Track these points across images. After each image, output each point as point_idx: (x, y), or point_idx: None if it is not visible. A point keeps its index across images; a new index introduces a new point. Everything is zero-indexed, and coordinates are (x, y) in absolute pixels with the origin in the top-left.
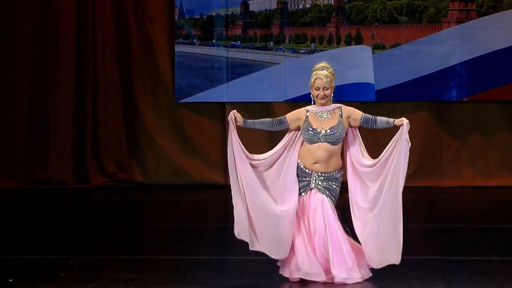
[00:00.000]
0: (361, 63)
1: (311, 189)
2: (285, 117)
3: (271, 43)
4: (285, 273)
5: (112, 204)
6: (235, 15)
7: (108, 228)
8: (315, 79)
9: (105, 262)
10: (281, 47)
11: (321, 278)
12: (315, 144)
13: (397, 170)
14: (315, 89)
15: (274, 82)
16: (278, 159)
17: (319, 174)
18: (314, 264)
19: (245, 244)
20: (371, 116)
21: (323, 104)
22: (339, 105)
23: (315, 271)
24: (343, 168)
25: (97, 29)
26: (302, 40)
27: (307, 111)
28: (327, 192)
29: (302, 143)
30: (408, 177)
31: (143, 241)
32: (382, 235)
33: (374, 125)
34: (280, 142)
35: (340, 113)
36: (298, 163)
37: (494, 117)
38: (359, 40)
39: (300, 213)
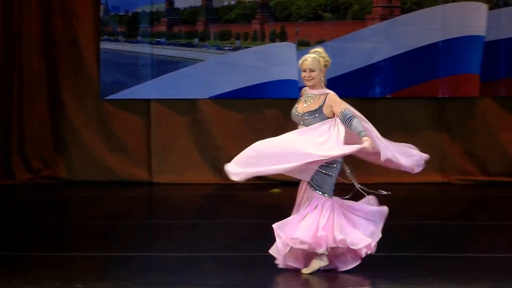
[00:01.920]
0: (285, 60)
1: None
2: None
3: (196, 40)
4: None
5: (37, 201)
6: (160, 12)
7: (34, 225)
8: (302, 61)
9: (30, 259)
10: (206, 44)
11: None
12: (298, 125)
13: None
14: (302, 71)
15: (199, 79)
16: None
17: None
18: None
19: (170, 240)
20: (348, 117)
21: (311, 87)
22: (328, 92)
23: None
24: None
25: (23, 25)
26: (227, 37)
27: (302, 91)
28: (312, 182)
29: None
30: None
31: (68, 238)
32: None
33: (349, 127)
34: None
35: (324, 100)
36: None
37: (417, 114)
38: (283, 37)
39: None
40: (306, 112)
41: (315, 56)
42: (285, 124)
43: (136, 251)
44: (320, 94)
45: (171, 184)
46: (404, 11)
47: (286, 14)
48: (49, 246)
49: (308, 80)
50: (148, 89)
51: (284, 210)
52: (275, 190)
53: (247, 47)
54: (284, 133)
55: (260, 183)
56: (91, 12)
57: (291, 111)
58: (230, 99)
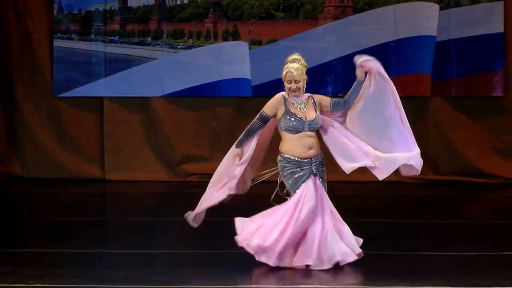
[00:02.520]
0: (238, 59)
1: (314, 174)
2: (264, 112)
3: (149, 38)
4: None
5: None
6: (114, 11)
7: None
8: (286, 72)
9: None
10: (159, 42)
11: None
12: (299, 134)
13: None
14: (287, 82)
15: (152, 77)
16: None
17: (314, 159)
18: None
19: (122, 237)
20: (340, 99)
21: (296, 96)
22: (309, 94)
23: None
24: None
25: None
26: (180, 36)
27: (284, 98)
28: (324, 182)
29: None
30: None
31: (21, 235)
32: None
33: (346, 105)
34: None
35: (313, 101)
36: (287, 157)
37: None
38: (236, 36)
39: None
40: (311, 118)
41: (298, 67)
42: (238, 122)
43: (89, 247)
44: (306, 99)
45: (123, 182)
46: (356, 10)
47: (239, 13)
48: (2, 243)
49: (295, 91)
50: (101, 87)
51: (237, 207)
52: None
53: (200, 46)
54: (235, 131)
55: None
56: (44, 10)
57: (284, 123)
58: (183, 98)
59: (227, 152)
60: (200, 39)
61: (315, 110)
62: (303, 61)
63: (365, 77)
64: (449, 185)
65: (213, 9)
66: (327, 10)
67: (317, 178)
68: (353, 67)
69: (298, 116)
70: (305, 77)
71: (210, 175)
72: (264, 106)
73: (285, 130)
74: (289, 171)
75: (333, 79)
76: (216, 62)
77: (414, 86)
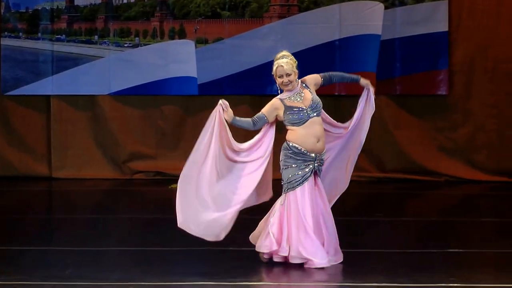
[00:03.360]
0: (184, 57)
1: (314, 171)
2: (262, 113)
3: (96, 37)
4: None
5: None
6: (61, 9)
7: None
8: (277, 67)
9: None
10: (106, 41)
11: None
12: (307, 123)
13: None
14: (279, 77)
15: (99, 76)
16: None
17: (319, 155)
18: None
19: (69, 234)
20: (327, 74)
21: (289, 90)
22: (298, 81)
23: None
24: None
25: None
26: (126, 34)
27: (281, 99)
28: (320, 173)
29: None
30: None
31: None
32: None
33: (335, 80)
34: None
35: (306, 86)
36: (295, 147)
37: None
38: (182, 35)
39: (307, 198)
40: (310, 103)
41: (288, 61)
42: (183, 120)
43: (36, 245)
44: (299, 88)
45: (70, 179)
46: (302, 9)
47: (185, 12)
48: None
49: (287, 85)
50: (48, 86)
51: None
52: (174, 186)
53: (146, 44)
54: (180, 129)
55: (159, 179)
56: None
57: (289, 118)
58: (129, 96)
59: (173, 149)
60: (146, 37)
61: (311, 93)
62: (292, 57)
63: (364, 92)
64: (394, 182)
65: (159, 8)
66: (272, 9)
67: (317, 176)
68: (298, 65)
69: (298, 107)
70: (296, 71)
71: (156, 173)
72: (263, 108)
73: (291, 124)
74: (293, 165)
75: None
76: (162, 61)
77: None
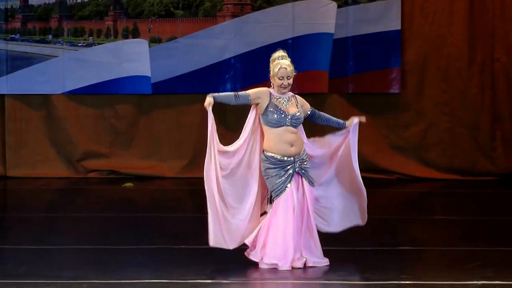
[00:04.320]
0: (138, 56)
1: (293, 174)
2: (248, 93)
3: (50, 36)
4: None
5: None
6: (15, 9)
7: None
8: (279, 68)
9: None
10: (60, 40)
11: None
12: (281, 128)
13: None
14: (279, 78)
15: (53, 75)
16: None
17: (299, 156)
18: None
19: (23, 233)
20: (317, 112)
21: (283, 93)
22: (292, 93)
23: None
24: None
25: None
26: (80, 34)
27: (271, 93)
28: (307, 175)
29: (261, 138)
30: (184, 169)
31: None
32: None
33: (319, 121)
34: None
35: (296, 100)
36: (271, 157)
37: None
38: (136, 34)
39: (290, 203)
40: (294, 113)
41: (289, 63)
42: (137, 119)
43: None
44: (290, 96)
45: (25, 178)
46: (255, 8)
47: (139, 11)
48: None
49: (285, 87)
50: (2, 85)
51: (137, 204)
52: (128, 184)
53: (100, 44)
54: (134, 128)
55: (113, 177)
56: None
57: (267, 117)
58: (83, 95)
59: (127, 148)
60: (100, 36)
61: (298, 108)
62: (289, 58)
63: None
64: None
65: (113, 7)
66: (226, 8)
67: (301, 178)
68: (251, 64)
69: (281, 109)
70: (295, 73)
71: (110, 172)
72: (250, 89)
73: (267, 124)
74: (274, 174)
75: (232, 76)
76: (116, 60)
77: (311, 83)
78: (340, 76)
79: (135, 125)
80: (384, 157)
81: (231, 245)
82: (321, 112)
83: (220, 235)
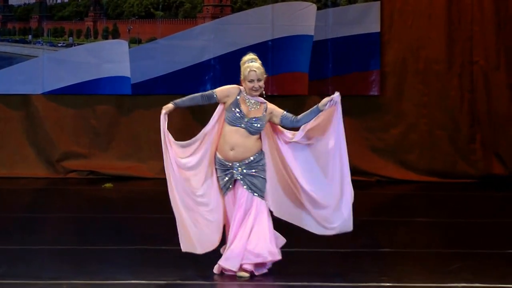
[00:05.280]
0: (117, 57)
1: (235, 180)
2: (215, 92)
3: (30, 36)
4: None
5: None
6: None
7: None
8: (249, 71)
9: None
10: (40, 40)
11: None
12: (234, 127)
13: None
14: (249, 81)
15: (32, 75)
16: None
17: (240, 163)
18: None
19: (2, 233)
20: (291, 115)
21: (254, 95)
22: (265, 101)
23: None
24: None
25: None
26: (60, 34)
27: (240, 91)
28: (253, 187)
29: (220, 134)
30: (164, 169)
31: None
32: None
33: (296, 123)
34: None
35: (265, 108)
36: (216, 156)
37: None
38: (116, 35)
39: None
40: (253, 118)
41: (259, 66)
42: (117, 120)
43: None
44: (260, 103)
45: (3, 178)
46: (235, 10)
47: (119, 12)
48: None
49: (256, 90)
50: None
51: (117, 204)
52: (108, 185)
53: (80, 44)
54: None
55: (92, 178)
56: None
57: (228, 113)
58: (62, 95)
59: (106, 149)
60: (80, 37)
61: (262, 115)
62: (259, 61)
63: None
64: None
65: (93, 8)
66: (206, 9)
67: (242, 185)
68: (231, 65)
69: (242, 110)
70: (265, 75)
71: (89, 172)
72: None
73: (226, 120)
74: (218, 175)
75: (212, 78)
76: (96, 60)
77: (291, 85)
78: (320, 78)
79: (114, 126)
80: (363, 159)
81: (199, 250)
82: (298, 116)
83: (188, 240)
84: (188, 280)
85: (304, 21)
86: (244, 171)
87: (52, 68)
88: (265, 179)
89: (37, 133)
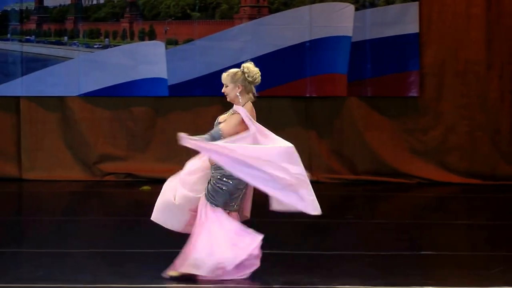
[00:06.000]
0: (154, 59)
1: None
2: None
3: (65, 38)
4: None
5: None
6: (30, 10)
7: None
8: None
9: None
10: (75, 42)
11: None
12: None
13: None
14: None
15: (68, 77)
16: None
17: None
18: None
19: (39, 236)
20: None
21: (230, 102)
22: (239, 112)
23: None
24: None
25: None
26: (96, 35)
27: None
28: (206, 192)
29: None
30: None
31: None
32: None
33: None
34: None
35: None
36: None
37: (285, 112)
38: (152, 36)
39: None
40: (213, 127)
41: (228, 72)
42: (154, 122)
43: (6, 247)
44: (232, 113)
45: (40, 181)
46: (272, 11)
47: (155, 13)
48: None
49: (225, 95)
50: (17, 87)
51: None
52: (145, 188)
53: (116, 46)
54: (151, 131)
55: (130, 180)
56: None
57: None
58: (99, 97)
59: (143, 151)
60: (116, 38)
61: (224, 124)
62: (248, 70)
63: None
64: (365, 184)
65: (129, 9)
66: (243, 10)
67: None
68: (269, 66)
69: (219, 120)
70: (233, 84)
71: (126, 175)
72: None
73: None
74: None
75: None
76: (132, 62)
77: (329, 86)
78: (358, 79)
79: (151, 128)
80: (403, 161)
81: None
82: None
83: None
84: (228, 283)
85: (342, 22)
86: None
87: (88, 69)
88: (216, 186)
89: (73, 135)
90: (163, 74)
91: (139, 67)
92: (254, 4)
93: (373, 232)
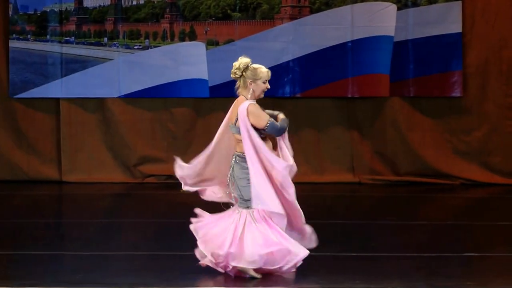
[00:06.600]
0: (195, 59)
1: None
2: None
3: (105, 39)
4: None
5: None
6: (69, 11)
7: None
8: (268, 72)
9: None
10: (115, 43)
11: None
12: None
13: None
14: (264, 82)
15: (108, 78)
16: None
17: None
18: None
19: (79, 239)
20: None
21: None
22: (244, 104)
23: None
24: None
25: None
26: (136, 36)
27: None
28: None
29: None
30: None
31: None
32: None
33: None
34: None
35: (237, 113)
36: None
37: (328, 113)
38: (193, 36)
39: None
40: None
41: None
42: (194, 123)
43: (46, 249)
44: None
45: (80, 183)
46: (313, 11)
47: (195, 13)
48: None
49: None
50: (57, 88)
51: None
52: (186, 189)
53: (156, 46)
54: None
55: (171, 182)
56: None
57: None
58: (139, 98)
59: (184, 153)
60: (156, 39)
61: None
62: (243, 64)
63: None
64: (408, 186)
65: (169, 10)
66: (283, 10)
67: None
68: (310, 67)
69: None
70: (246, 80)
71: (167, 177)
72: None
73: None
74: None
75: (291, 80)
76: (173, 63)
77: (372, 86)
78: (401, 79)
79: (192, 129)
80: (446, 162)
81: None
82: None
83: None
84: (270, 286)
85: (384, 21)
86: None
87: (128, 71)
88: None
89: (113, 137)
90: (204, 75)
91: (180, 68)
92: (295, 4)
93: (415, 234)
